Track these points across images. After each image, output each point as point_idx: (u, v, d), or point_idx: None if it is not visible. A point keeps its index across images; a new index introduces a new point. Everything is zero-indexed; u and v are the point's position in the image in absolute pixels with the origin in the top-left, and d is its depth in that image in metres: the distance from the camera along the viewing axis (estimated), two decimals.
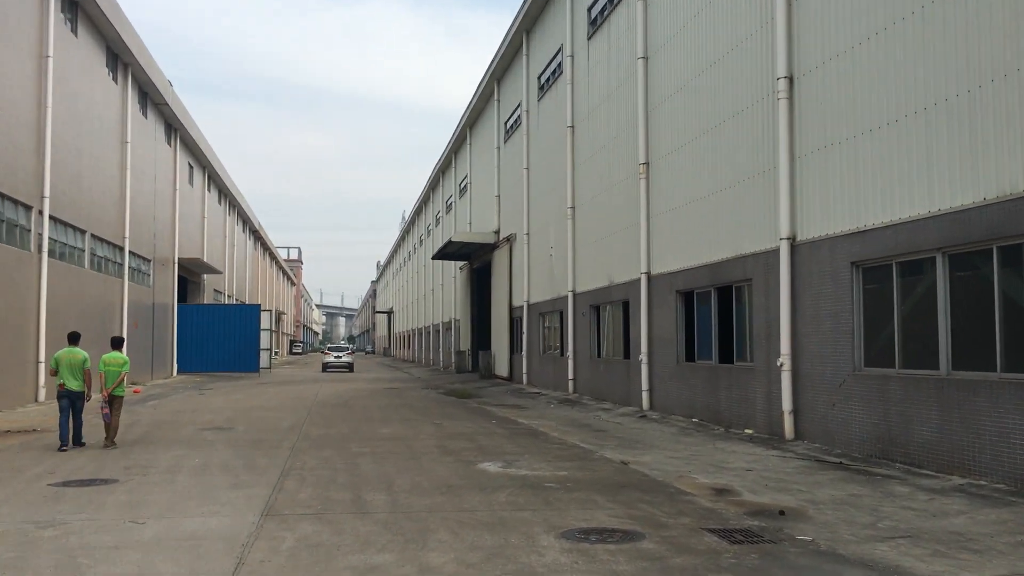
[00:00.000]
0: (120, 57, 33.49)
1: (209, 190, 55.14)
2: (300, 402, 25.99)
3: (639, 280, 21.67)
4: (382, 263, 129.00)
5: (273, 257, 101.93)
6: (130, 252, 35.04)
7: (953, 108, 11.12)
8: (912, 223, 11.81)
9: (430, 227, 67.26)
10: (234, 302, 63.63)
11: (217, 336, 46.70)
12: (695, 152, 18.88)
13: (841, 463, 12.47)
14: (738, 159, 16.89)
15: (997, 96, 10.39)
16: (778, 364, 14.98)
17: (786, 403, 14.81)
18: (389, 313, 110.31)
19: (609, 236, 24.46)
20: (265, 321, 50.43)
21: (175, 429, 17.68)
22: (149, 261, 39.00)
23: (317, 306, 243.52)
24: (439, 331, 61.02)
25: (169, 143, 43.14)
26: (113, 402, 14.97)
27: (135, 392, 30.64)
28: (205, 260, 50.21)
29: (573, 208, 27.99)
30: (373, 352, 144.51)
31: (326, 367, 56.05)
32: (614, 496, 10.14)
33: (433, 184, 64.67)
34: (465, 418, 20.59)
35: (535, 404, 25.11)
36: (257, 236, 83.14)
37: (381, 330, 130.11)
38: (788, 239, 14.86)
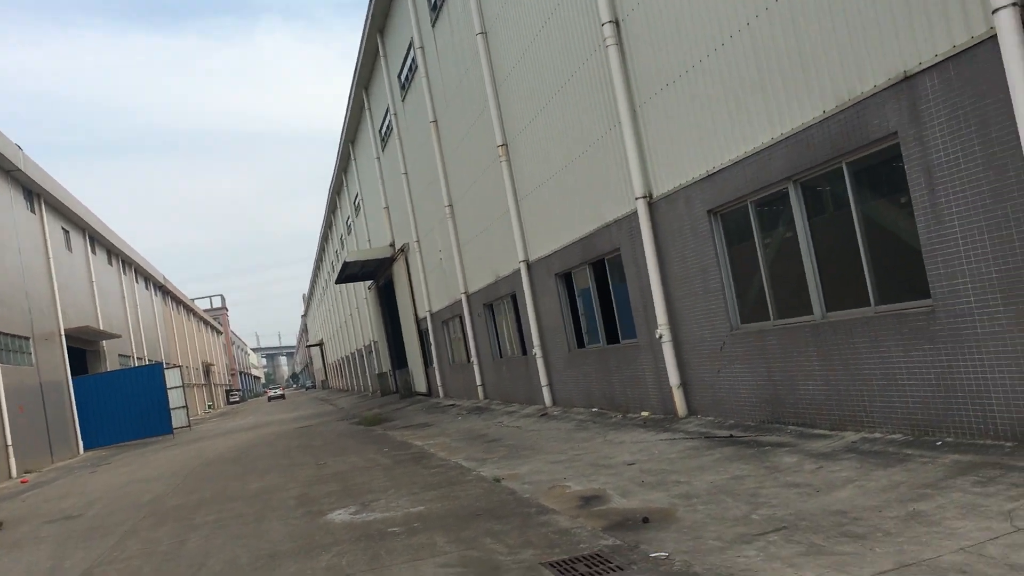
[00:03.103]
0: None
1: (94, 252, 52.21)
2: (190, 462, 23.87)
3: (519, 270, 20.11)
4: (306, 296, 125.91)
5: (190, 310, 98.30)
6: None
7: (775, 16, 9.71)
8: (757, 155, 10.40)
9: (338, 251, 65.06)
10: (145, 364, 60.57)
11: (122, 404, 43.93)
12: (546, 123, 17.36)
13: (731, 436, 11.03)
14: (585, 121, 15.41)
15: None
16: (657, 336, 13.50)
17: (673, 377, 13.34)
18: (320, 345, 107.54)
19: (487, 229, 22.87)
20: (173, 379, 47.78)
21: (15, 527, 15.55)
22: (27, 339, 36.25)
23: (254, 350, 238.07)
24: (363, 355, 58.97)
25: (33, 211, 40.34)
26: None
27: (22, 482, 28.15)
28: (99, 327, 47.42)
29: (451, 206, 26.33)
30: (314, 386, 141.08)
31: (270, 399, 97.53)
32: (460, 532, 8.51)
33: (332, 207, 62.53)
34: (356, 451, 18.80)
35: (442, 419, 23.43)
36: (165, 291, 79.83)
37: (317, 363, 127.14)
38: (644, 198, 13.39)
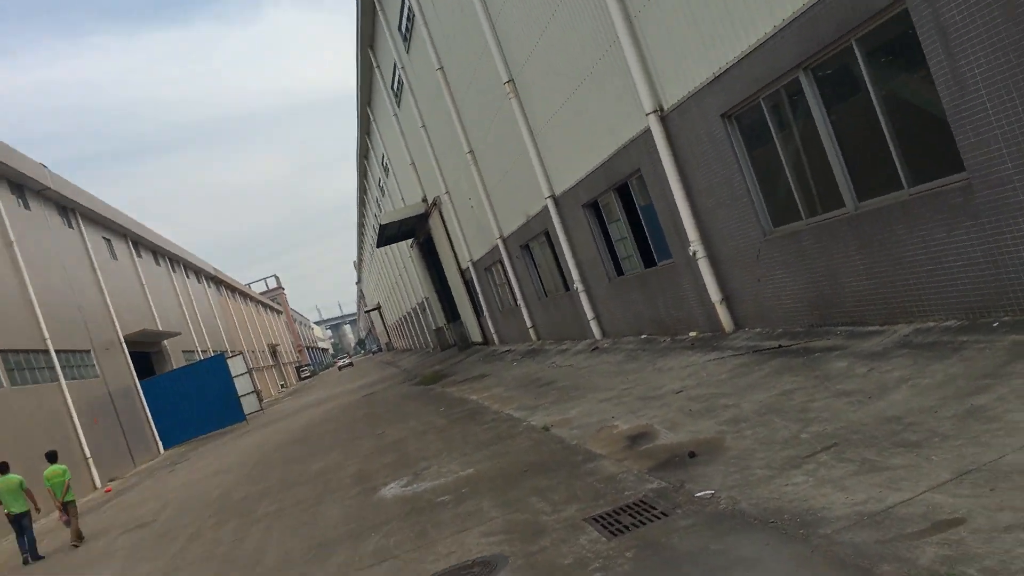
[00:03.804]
0: None
1: (140, 255, 52.84)
2: (259, 449, 24.15)
3: (547, 206, 19.57)
4: (357, 263, 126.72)
5: (246, 295, 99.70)
6: (58, 352, 32.97)
7: None
8: (762, 46, 9.68)
9: (376, 215, 64.91)
10: (211, 355, 61.56)
11: (192, 399, 44.66)
12: (547, 50, 16.64)
13: (780, 346, 10.52)
14: (585, 41, 14.69)
15: None
16: (691, 253, 12.94)
17: (714, 293, 12.81)
18: (378, 308, 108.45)
19: (510, 170, 22.31)
20: (238, 366, 48.44)
21: (94, 541, 15.76)
22: (88, 352, 36.91)
23: (317, 323, 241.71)
24: (418, 313, 59.16)
25: (70, 225, 40.79)
26: (67, 508, 15.79)
27: (107, 491, 28.86)
28: (157, 327, 48.19)
29: (472, 152, 25.77)
30: (380, 350, 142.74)
31: (340, 368, 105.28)
32: (507, 493, 8.22)
33: (363, 172, 62.26)
34: (415, 415, 18.70)
35: (498, 368, 23.22)
36: (218, 281, 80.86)
37: (379, 326, 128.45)
38: (655, 112, 12.73)
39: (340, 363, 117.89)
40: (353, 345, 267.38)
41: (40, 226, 36.35)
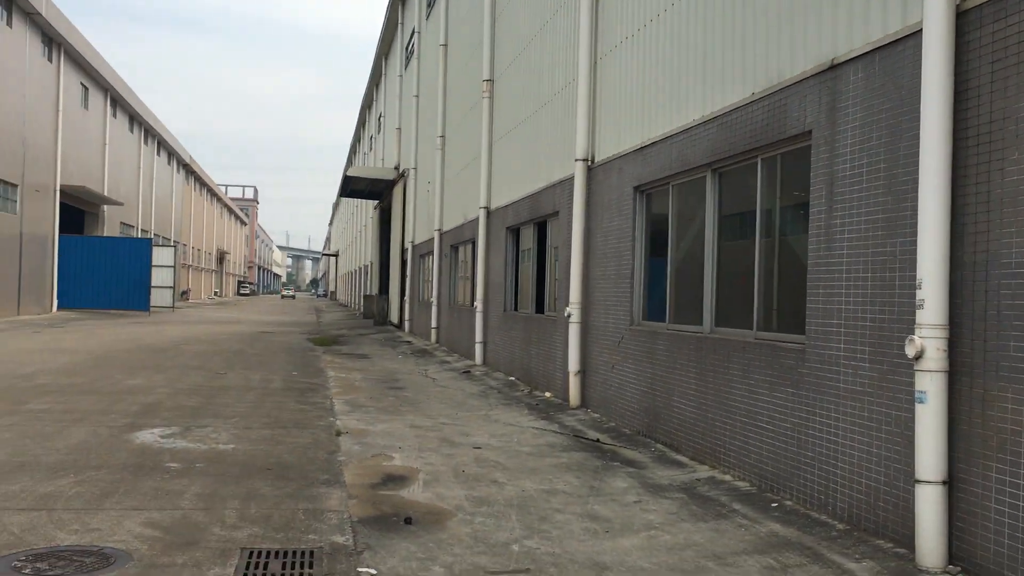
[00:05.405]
0: None
1: (115, 115, 51.37)
2: (122, 344, 23.14)
3: (478, 217, 18.81)
4: (334, 204, 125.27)
5: (214, 195, 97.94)
6: None
7: None
8: (686, 132, 8.98)
9: (360, 166, 63.87)
10: (151, 237, 60.04)
11: (105, 271, 43.29)
12: (525, 64, 15.92)
13: (598, 440, 9.79)
14: (555, 66, 13.97)
15: None
16: (566, 315, 12.21)
17: (573, 363, 12.08)
18: (336, 255, 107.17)
19: (466, 167, 21.54)
20: (164, 257, 47.15)
21: None
22: (15, 186, 35.56)
23: (280, 248, 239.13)
24: (361, 275, 58.18)
25: (49, 59, 39.41)
26: None
27: None
28: (102, 191, 46.75)
29: (443, 137, 24.98)
30: (325, 295, 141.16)
31: (283, 297, 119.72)
32: (224, 486, 7.41)
33: (362, 121, 61.23)
34: (270, 369, 17.82)
35: (384, 355, 22.35)
36: (189, 171, 79.21)
37: (332, 272, 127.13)
38: (584, 160, 12.00)
39: (284, 293, 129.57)
40: (308, 282, 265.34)
41: (15, 48, 35.02)
